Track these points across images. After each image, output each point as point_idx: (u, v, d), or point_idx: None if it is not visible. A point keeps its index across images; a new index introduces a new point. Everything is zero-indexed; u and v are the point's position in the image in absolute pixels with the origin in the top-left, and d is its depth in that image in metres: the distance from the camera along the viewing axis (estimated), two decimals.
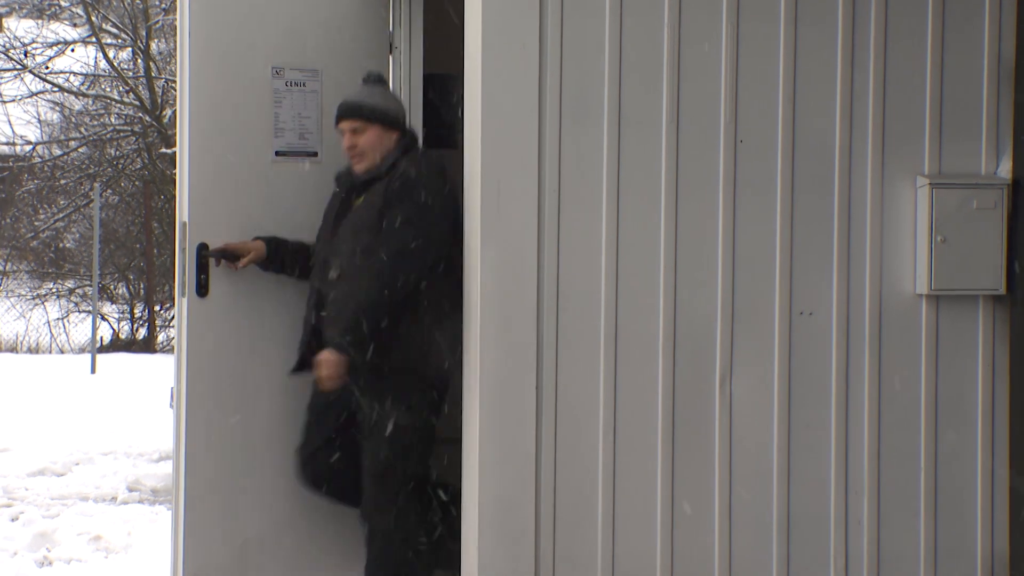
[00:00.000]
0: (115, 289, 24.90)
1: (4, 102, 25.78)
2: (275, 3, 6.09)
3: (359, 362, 5.49)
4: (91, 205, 22.99)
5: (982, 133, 5.46)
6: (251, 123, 6.03)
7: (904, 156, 5.42)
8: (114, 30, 25.53)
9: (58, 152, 26.10)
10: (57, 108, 26.69)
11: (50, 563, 7.74)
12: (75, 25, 27.01)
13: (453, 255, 5.46)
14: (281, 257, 5.91)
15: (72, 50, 26.04)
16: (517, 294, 5.18)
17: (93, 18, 24.95)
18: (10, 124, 26.27)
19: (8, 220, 26.86)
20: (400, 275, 5.44)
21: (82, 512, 9.04)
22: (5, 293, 25.12)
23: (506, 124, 5.18)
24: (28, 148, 26.66)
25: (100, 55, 25.54)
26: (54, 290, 24.99)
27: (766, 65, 5.33)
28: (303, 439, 5.81)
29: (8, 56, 25.23)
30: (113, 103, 25.30)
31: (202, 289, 5.93)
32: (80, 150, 25.71)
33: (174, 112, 22.53)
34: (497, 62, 5.18)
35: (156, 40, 25.00)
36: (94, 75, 25.97)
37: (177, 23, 6.14)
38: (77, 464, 11.25)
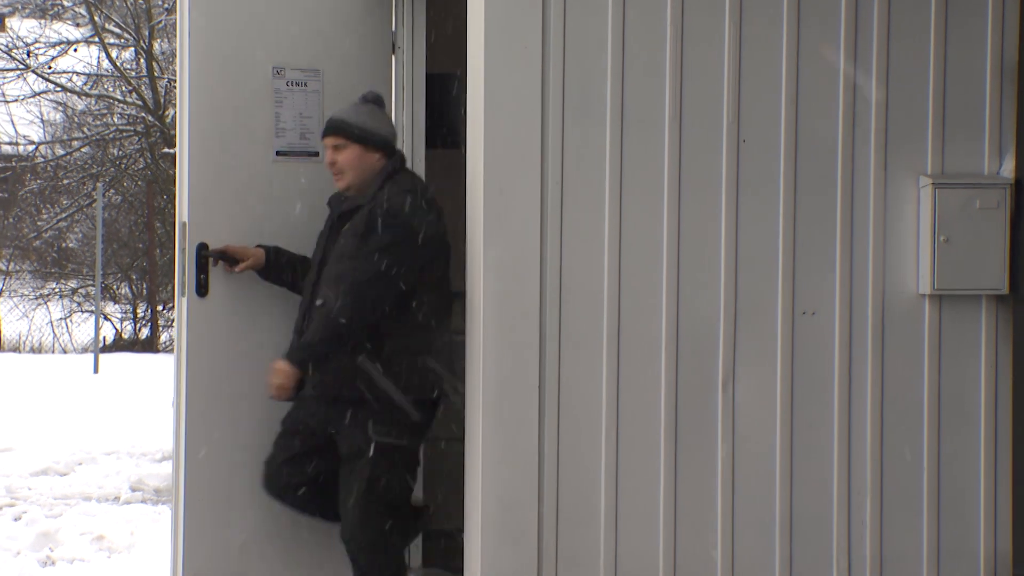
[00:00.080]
0: (118, 289, 24.92)
1: (7, 102, 25.80)
2: (276, 3, 6.08)
3: (332, 384, 5.51)
4: (94, 205, 23.00)
5: (985, 133, 5.46)
6: (252, 123, 6.03)
7: (907, 156, 5.42)
8: (117, 30, 25.55)
9: (61, 152, 26.12)
10: (60, 108, 26.70)
11: (53, 563, 7.74)
12: (78, 25, 27.02)
13: (438, 279, 5.47)
14: (279, 267, 5.89)
15: (75, 50, 26.06)
16: (519, 293, 5.17)
17: (96, 18, 24.98)
18: (13, 124, 26.29)
19: (11, 220, 26.87)
20: (372, 301, 5.41)
21: (85, 512, 9.04)
22: (8, 293, 25.14)
23: (508, 123, 5.18)
24: (31, 148, 26.68)
25: (103, 55, 25.55)
26: (57, 290, 25.01)
27: (769, 64, 5.33)
28: (271, 451, 5.78)
29: (11, 56, 25.25)
30: (116, 103, 25.32)
31: (202, 289, 5.92)
32: (83, 150, 25.73)
33: (176, 112, 22.52)
34: (499, 61, 5.18)
35: (159, 40, 25.02)
36: (97, 75, 25.98)
37: (177, 22, 6.13)
38: (80, 464, 11.25)
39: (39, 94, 25.78)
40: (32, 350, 23.49)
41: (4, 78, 25.51)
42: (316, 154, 6.05)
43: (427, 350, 5.49)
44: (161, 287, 23.60)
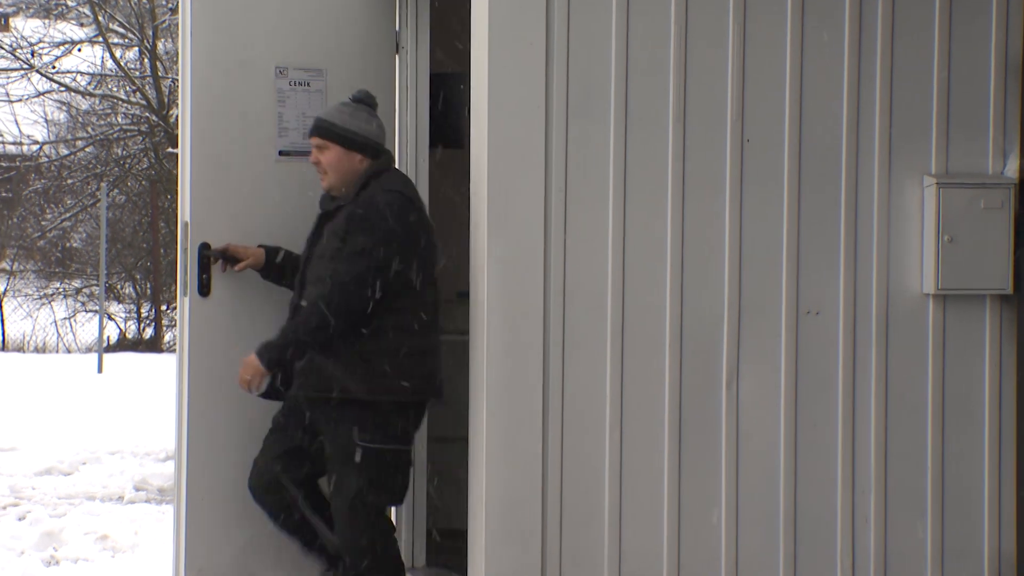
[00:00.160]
0: (122, 289, 24.95)
1: (11, 102, 25.82)
2: (279, 2, 6.07)
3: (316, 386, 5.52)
4: (98, 205, 23.03)
5: (989, 132, 5.45)
6: (254, 123, 6.02)
7: (911, 155, 5.42)
8: (121, 30, 25.58)
9: (65, 152, 26.15)
10: (64, 108, 26.74)
11: (57, 562, 7.74)
12: (82, 25, 27.05)
13: (420, 280, 5.45)
14: (279, 267, 5.89)
15: (79, 50, 26.09)
16: (523, 292, 5.17)
17: (100, 18, 25.01)
18: (17, 124, 26.31)
19: (15, 220, 26.91)
20: (349, 304, 5.40)
21: (89, 511, 9.05)
22: (12, 293, 25.17)
23: (512, 123, 5.18)
24: (35, 148, 26.71)
25: (107, 55, 25.58)
26: (61, 290, 25.04)
27: (773, 63, 5.33)
28: (260, 449, 5.77)
29: (15, 56, 25.28)
30: (120, 103, 25.35)
31: (204, 289, 5.92)
32: (87, 150, 25.76)
33: (179, 111, 22.54)
34: (503, 60, 5.18)
35: (163, 40, 25.05)
36: (101, 75, 26.02)
37: (180, 22, 6.13)
38: (84, 463, 11.27)
39: (43, 94, 25.82)
40: (36, 350, 23.51)
41: (8, 78, 25.54)
42: None
43: (409, 351, 5.45)
44: (165, 287, 23.62)
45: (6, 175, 27.36)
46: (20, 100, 25.80)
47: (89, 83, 25.97)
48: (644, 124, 5.25)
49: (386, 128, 5.73)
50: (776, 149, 5.33)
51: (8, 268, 26.00)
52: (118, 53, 25.32)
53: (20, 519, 8.83)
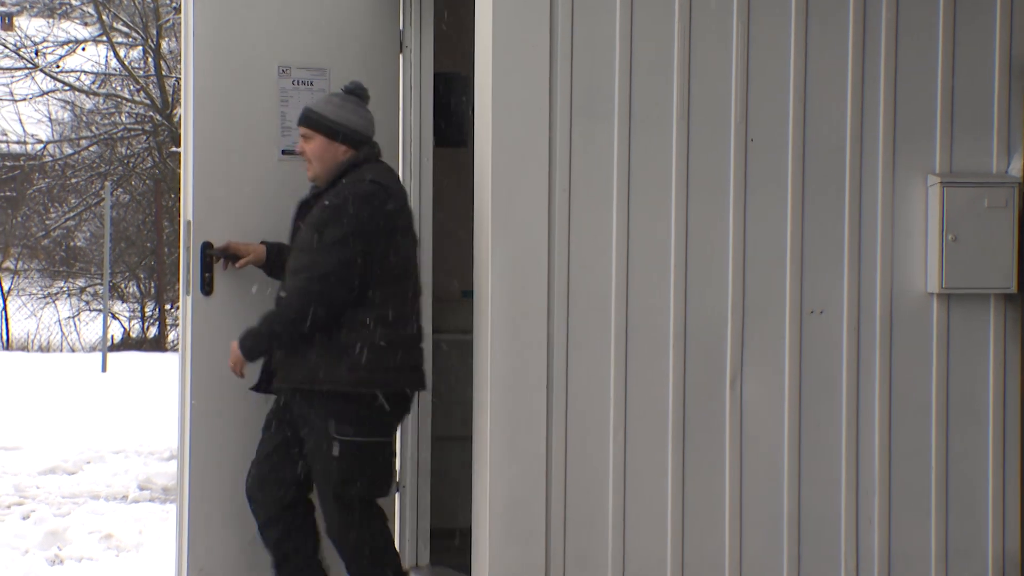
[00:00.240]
0: (126, 288, 24.96)
1: (15, 101, 25.83)
2: (283, 1, 6.07)
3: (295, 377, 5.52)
4: (102, 204, 23.04)
5: (993, 131, 5.45)
6: (257, 122, 6.02)
7: (915, 154, 5.42)
8: (125, 29, 25.59)
9: (69, 151, 26.16)
10: (68, 107, 26.74)
11: (61, 562, 7.75)
12: (86, 24, 27.06)
13: (397, 271, 5.44)
14: (281, 264, 5.89)
15: (83, 49, 26.09)
16: (527, 292, 5.17)
17: (104, 17, 25.01)
18: (21, 123, 26.33)
19: (19, 219, 26.91)
20: (323, 296, 5.40)
21: (93, 510, 9.05)
22: (16, 292, 25.18)
23: (517, 122, 5.18)
24: (39, 147, 26.72)
25: (111, 54, 25.59)
26: (65, 289, 25.05)
27: (777, 63, 5.33)
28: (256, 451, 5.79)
29: (19, 55, 25.28)
30: (124, 102, 25.36)
31: (207, 287, 5.92)
32: (91, 149, 25.77)
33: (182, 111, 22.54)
34: (508, 60, 5.17)
35: (167, 39, 25.06)
36: (105, 74, 26.02)
37: (183, 21, 6.13)
38: (88, 462, 11.27)
39: (47, 93, 25.82)
40: (40, 349, 23.52)
41: (12, 77, 25.55)
42: None
43: (388, 342, 5.43)
44: (169, 286, 23.63)
45: (10, 174, 27.37)
46: (24, 99, 25.80)
47: (93, 82, 25.98)
48: (648, 124, 5.25)
49: (374, 120, 5.69)
50: (780, 149, 5.33)
51: (12, 267, 26.01)
52: (122, 52, 25.32)
53: (24, 518, 8.84)
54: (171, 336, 23.41)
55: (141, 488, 10.10)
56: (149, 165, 24.97)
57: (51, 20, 27.46)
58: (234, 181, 5.98)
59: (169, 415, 12.66)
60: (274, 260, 5.87)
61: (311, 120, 5.60)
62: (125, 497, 9.82)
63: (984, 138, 5.46)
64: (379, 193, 5.45)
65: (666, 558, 5.25)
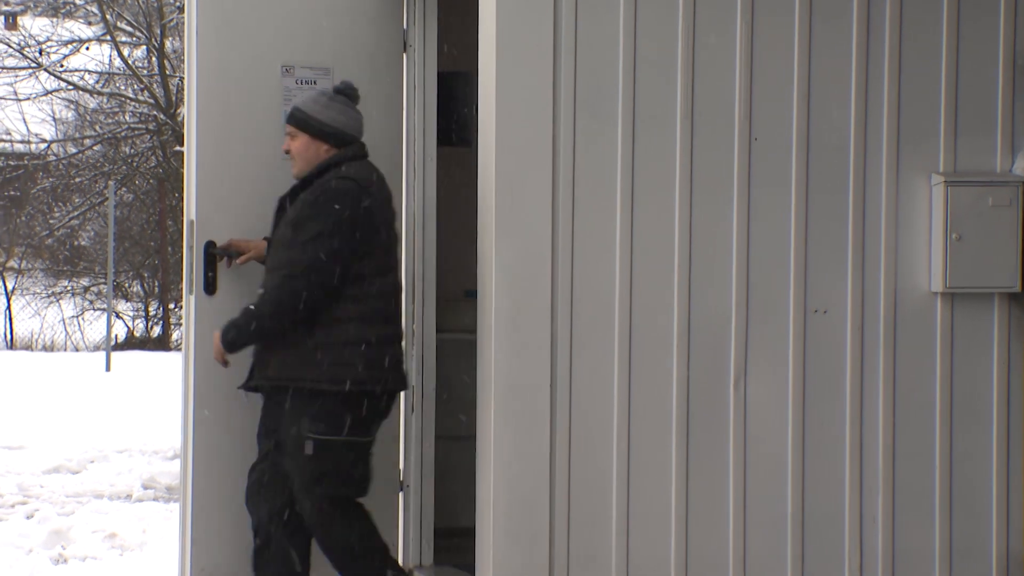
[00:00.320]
0: (129, 287, 25.00)
1: (19, 100, 25.85)
2: (286, 1, 6.07)
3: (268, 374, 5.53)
4: (106, 203, 23.07)
5: (997, 130, 5.45)
6: (260, 121, 6.02)
7: (919, 153, 5.41)
8: (129, 28, 25.61)
9: (73, 150, 26.19)
10: (72, 106, 26.77)
11: (65, 561, 7.75)
12: (90, 23, 27.09)
13: (373, 269, 5.44)
14: None
15: (87, 48, 26.12)
16: (531, 291, 5.17)
17: (108, 16, 25.03)
18: (25, 122, 26.35)
19: (23, 218, 26.94)
20: (297, 294, 5.39)
21: (97, 510, 9.06)
22: (20, 291, 25.21)
23: (520, 122, 5.18)
24: (43, 146, 26.74)
25: (115, 53, 25.61)
26: (69, 288, 25.09)
27: (781, 62, 5.32)
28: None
29: (23, 54, 25.30)
30: (128, 101, 25.38)
31: (210, 287, 5.93)
32: (95, 148, 25.80)
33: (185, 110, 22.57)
34: (511, 59, 5.17)
35: (171, 38, 25.08)
36: (109, 73, 26.05)
37: (186, 20, 6.13)
38: (92, 462, 11.28)
39: (51, 92, 25.85)
40: (44, 348, 23.56)
41: (16, 76, 25.57)
42: None
43: (363, 340, 5.43)
44: (173, 285, 23.66)
45: (14, 173, 27.39)
46: (28, 98, 25.83)
47: (97, 82, 26.00)
48: (651, 123, 5.24)
49: (362, 119, 5.69)
50: (784, 148, 5.32)
51: (16, 266, 26.04)
52: (126, 52, 25.35)
53: (28, 517, 8.85)
54: (175, 335, 23.44)
55: (145, 487, 10.10)
56: (153, 164, 25.00)
57: (55, 19, 27.49)
58: (237, 180, 5.98)
59: (173, 414, 12.67)
60: None
61: (295, 118, 5.64)
62: (129, 496, 9.83)
63: (988, 137, 5.45)
64: (354, 189, 5.46)
65: (670, 557, 5.24)
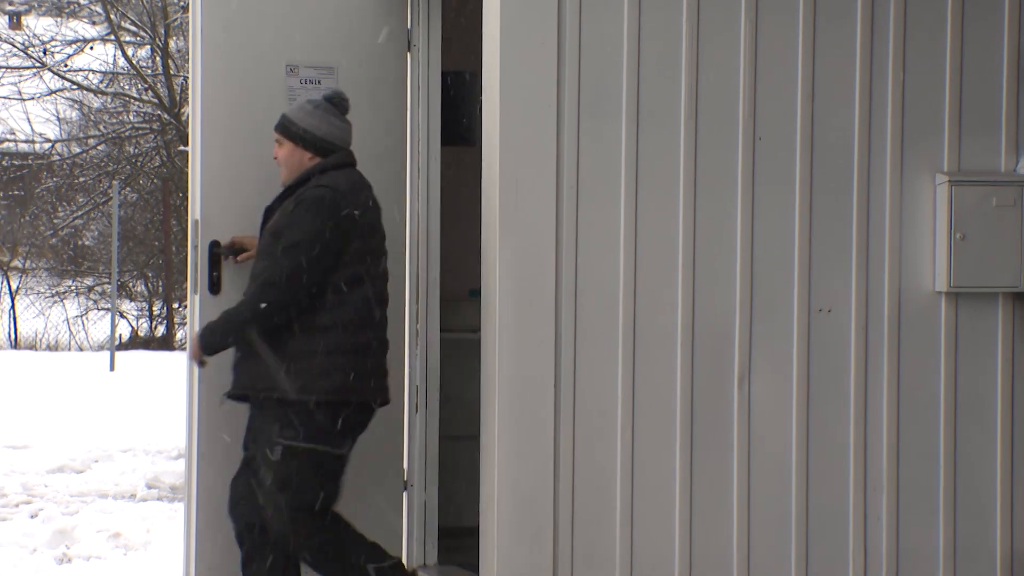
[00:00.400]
0: (134, 286, 25.02)
1: (23, 100, 25.87)
2: (291, 0, 6.08)
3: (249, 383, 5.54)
4: (110, 203, 23.08)
5: (1001, 130, 5.45)
6: (265, 121, 6.00)
7: (923, 153, 5.41)
8: (133, 28, 25.63)
9: (77, 150, 26.21)
10: (76, 106, 26.79)
11: (69, 560, 7.76)
12: (94, 23, 27.11)
13: (350, 278, 5.41)
14: None
15: (91, 48, 26.13)
16: (535, 290, 5.17)
17: (112, 16, 25.05)
18: (29, 122, 26.36)
19: (27, 218, 26.96)
20: (274, 303, 5.38)
21: (101, 509, 9.07)
22: (25, 291, 25.23)
23: (524, 121, 5.18)
24: (47, 146, 26.76)
25: (119, 53, 25.62)
26: (73, 287, 25.11)
27: (784, 61, 5.32)
28: None
29: (27, 54, 25.32)
30: (132, 101, 25.39)
31: (214, 286, 5.93)
32: (99, 148, 25.81)
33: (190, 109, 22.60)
34: (515, 58, 5.17)
35: (174, 38, 25.09)
36: (113, 73, 26.07)
37: (190, 19, 6.13)
38: (96, 461, 11.29)
39: (55, 92, 25.87)
40: (48, 348, 23.58)
41: (21, 76, 25.59)
42: None
43: (339, 350, 5.40)
44: (177, 284, 23.68)
45: (18, 173, 27.41)
46: (32, 98, 25.85)
47: (101, 81, 26.02)
48: (656, 122, 5.24)
49: (348, 128, 5.67)
50: (788, 147, 5.32)
51: (20, 266, 26.05)
52: (130, 51, 25.37)
53: (32, 517, 8.85)
54: (179, 335, 23.45)
55: (149, 487, 10.11)
56: (157, 164, 25.02)
57: (59, 19, 27.52)
58: (242, 180, 5.98)
59: (177, 414, 12.68)
60: None
61: (281, 125, 5.66)
62: (133, 496, 9.84)
63: (992, 136, 5.45)
64: (332, 198, 5.45)
65: (674, 556, 5.24)
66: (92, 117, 26.43)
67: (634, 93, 5.23)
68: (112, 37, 25.35)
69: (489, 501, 5.22)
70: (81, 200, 25.72)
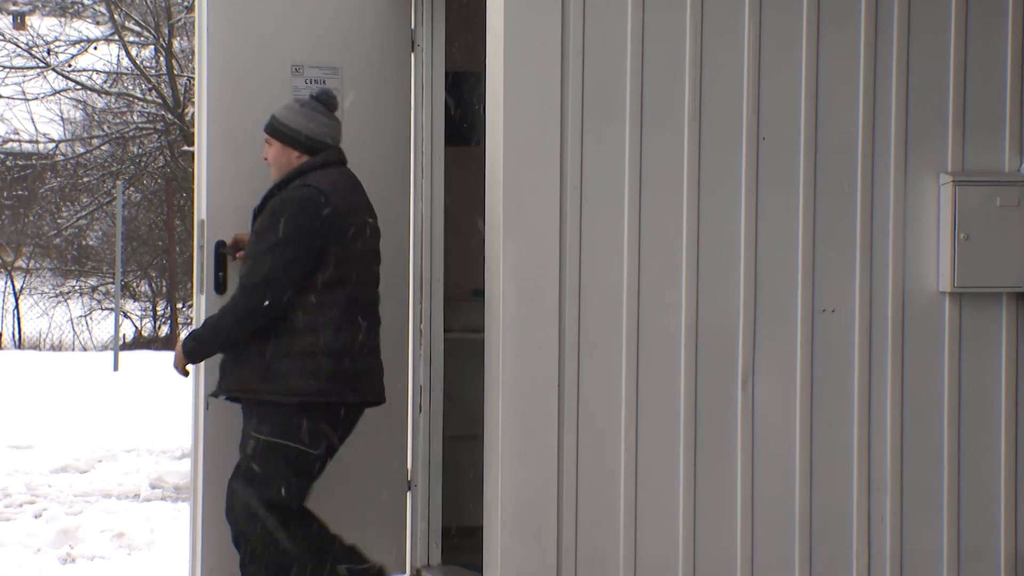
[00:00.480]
0: (137, 286, 25.03)
1: (27, 100, 25.88)
2: (296, 0, 6.08)
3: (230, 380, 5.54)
4: (113, 203, 23.08)
5: (1005, 130, 5.44)
6: None
7: (927, 153, 5.41)
8: (137, 28, 25.63)
9: (81, 150, 26.21)
10: (80, 106, 26.80)
11: (73, 560, 7.76)
12: (98, 23, 27.11)
13: (329, 279, 5.40)
14: None
15: (95, 48, 26.14)
16: (539, 291, 5.17)
17: (116, 16, 25.05)
18: (33, 122, 26.38)
19: (31, 218, 26.98)
20: (256, 305, 5.38)
21: (105, 509, 9.06)
22: (28, 291, 25.24)
23: (528, 122, 5.18)
24: (51, 146, 26.77)
25: (123, 53, 25.63)
26: (77, 287, 25.11)
27: (788, 62, 5.32)
28: None
29: (31, 54, 25.33)
30: (135, 101, 25.40)
31: (220, 286, 5.93)
32: (103, 148, 25.82)
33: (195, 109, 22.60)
34: (519, 59, 5.17)
35: (178, 38, 25.10)
36: (117, 73, 26.07)
37: (196, 20, 6.14)
38: (100, 461, 11.28)
39: (59, 92, 25.87)
40: (52, 347, 23.59)
41: (24, 76, 25.59)
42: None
43: (318, 351, 5.40)
44: (181, 284, 23.68)
45: (22, 173, 27.43)
46: (36, 98, 25.85)
47: (105, 81, 26.03)
48: (660, 122, 5.24)
49: (337, 126, 5.66)
50: (792, 147, 5.32)
51: (24, 266, 26.07)
52: (134, 51, 25.37)
53: (36, 517, 8.85)
54: (183, 335, 23.44)
55: (153, 487, 10.11)
56: (161, 164, 25.02)
57: (63, 19, 27.52)
58: (248, 180, 5.98)
59: (181, 414, 12.70)
60: None
61: (269, 126, 5.67)
62: (137, 496, 9.83)
63: (996, 137, 5.45)
64: (313, 198, 5.43)
65: (678, 557, 5.24)
66: (96, 117, 26.44)
67: (638, 94, 5.23)
68: (116, 37, 25.35)
69: (493, 501, 5.22)
70: (85, 200, 25.73)
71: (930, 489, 5.40)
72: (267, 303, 5.37)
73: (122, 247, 21.42)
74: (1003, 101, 5.44)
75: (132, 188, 24.71)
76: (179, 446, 11.79)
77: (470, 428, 6.16)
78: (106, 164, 25.49)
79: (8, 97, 25.75)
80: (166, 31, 24.72)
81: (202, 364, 5.88)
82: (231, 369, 5.53)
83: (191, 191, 22.42)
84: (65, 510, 9.02)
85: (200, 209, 5.99)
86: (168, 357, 20.96)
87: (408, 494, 6.39)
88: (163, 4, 24.97)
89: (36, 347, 23.56)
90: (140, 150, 25.33)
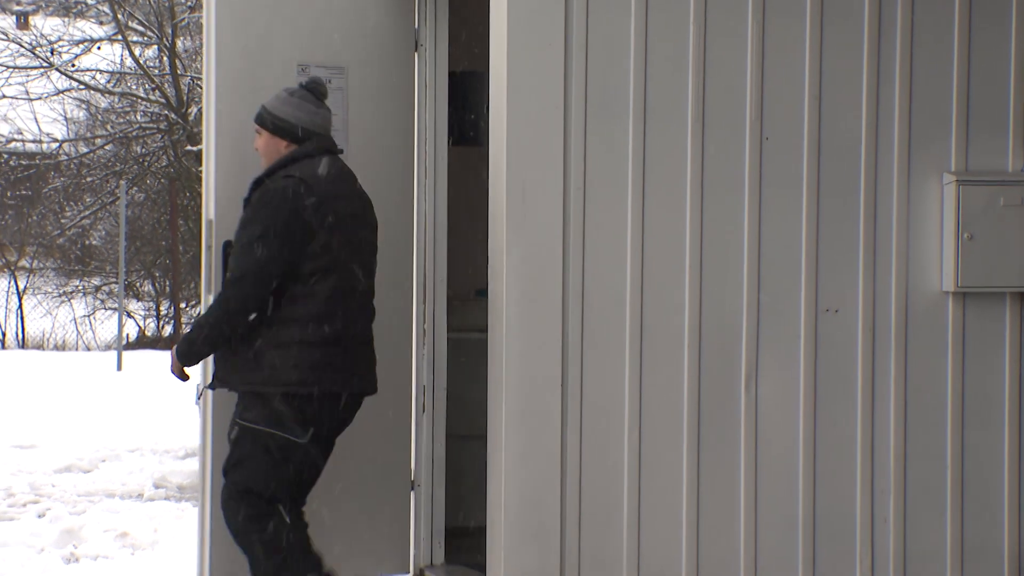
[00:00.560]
0: (141, 286, 25.00)
1: (31, 100, 25.87)
2: (301, 0, 6.09)
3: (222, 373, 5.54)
4: (117, 202, 23.08)
5: (1009, 130, 5.45)
6: None
7: (930, 153, 5.41)
8: (140, 28, 25.61)
9: (84, 150, 26.20)
10: (83, 106, 26.79)
11: (76, 560, 7.76)
12: (101, 23, 27.10)
13: (312, 270, 5.39)
14: None
15: (98, 48, 26.12)
16: (542, 291, 5.17)
17: (119, 16, 25.04)
18: (37, 122, 26.37)
19: (35, 218, 26.97)
20: (242, 298, 5.37)
21: (108, 509, 9.07)
22: (32, 290, 25.23)
23: (531, 122, 5.18)
24: (54, 146, 26.76)
25: (126, 53, 25.62)
26: (80, 287, 25.08)
27: (792, 62, 5.32)
28: None
29: (35, 54, 25.32)
30: (139, 100, 25.39)
31: None
32: (106, 147, 25.80)
33: (200, 109, 22.61)
34: (523, 60, 5.17)
35: (182, 38, 25.09)
36: (120, 73, 26.07)
37: (203, 21, 6.15)
38: (103, 461, 11.29)
39: (63, 92, 25.85)
40: (56, 347, 23.57)
41: (28, 76, 25.58)
42: (341, 151, 6.05)
43: (302, 342, 5.39)
44: (184, 284, 23.67)
45: (25, 173, 27.42)
46: (40, 98, 25.84)
47: (108, 81, 26.02)
48: (663, 123, 5.24)
49: (326, 115, 5.65)
50: (795, 148, 5.32)
51: (28, 266, 26.06)
52: (137, 51, 25.35)
53: (40, 516, 8.86)
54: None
55: (156, 486, 10.11)
56: (164, 164, 25.01)
57: (66, 19, 27.52)
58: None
59: (184, 413, 12.70)
60: None
61: (258, 116, 5.67)
62: (140, 495, 9.83)
63: (1000, 136, 5.45)
64: (296, 188, 5.41)
65: (681, 557, 5.25)
66: (99, 117, 26.42)
67: (641, 94, 5.23)
68: (119, 37, 25.33)
69: (496, 501, 5.22)
70: (88, 200, 25.71)
71: (934, 489, 5.40)
72: (250, 296, 5.36)
73: (125, 247, 21.41)
74: (1007, 101, 5.44)
75: (135, 188, 24.70)
76: (183, 446, 11.79)
77: (473, 428, 6.16)
78: (110, 164, 25.47)
79: (12, 97, 25.75)
80: (169, 31, 24.71)
81: (210, 364, 5.89)
82: (220, 359, 5.53)
83: (195, 191, 22.45)
84: (69, 510, 9.03)
85: (208, 209, 5.99)
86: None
87: (411, 494, 6.39)
88: (167, 4, 24.96)
89: (39, 347, 23.55)
90: (144, 150, 25.32)
